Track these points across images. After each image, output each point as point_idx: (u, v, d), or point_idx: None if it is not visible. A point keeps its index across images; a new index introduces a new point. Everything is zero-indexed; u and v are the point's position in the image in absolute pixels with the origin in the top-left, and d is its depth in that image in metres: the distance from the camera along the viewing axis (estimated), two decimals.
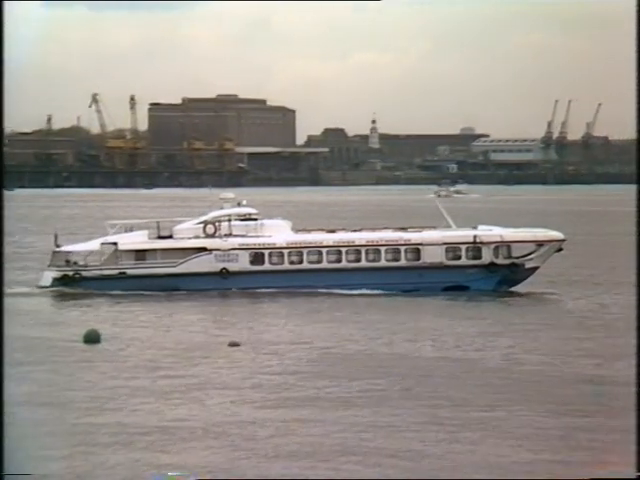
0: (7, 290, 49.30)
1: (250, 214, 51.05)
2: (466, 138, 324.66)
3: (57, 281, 48.99)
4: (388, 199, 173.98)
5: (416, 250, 49.06)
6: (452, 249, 49.09)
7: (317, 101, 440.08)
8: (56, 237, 50.50)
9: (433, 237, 49.42)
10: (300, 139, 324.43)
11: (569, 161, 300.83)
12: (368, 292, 47.61)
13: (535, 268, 49.30)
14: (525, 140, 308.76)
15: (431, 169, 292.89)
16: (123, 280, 48.71)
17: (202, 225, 49.80)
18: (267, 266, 48.88)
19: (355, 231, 51.52)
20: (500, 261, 48.92)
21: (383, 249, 49.23)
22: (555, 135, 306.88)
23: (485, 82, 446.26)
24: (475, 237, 49.19)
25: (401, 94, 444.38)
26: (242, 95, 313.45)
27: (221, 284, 48.52)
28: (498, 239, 49.42)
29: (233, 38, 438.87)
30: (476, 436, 22.82)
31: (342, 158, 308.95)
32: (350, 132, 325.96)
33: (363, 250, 49.23)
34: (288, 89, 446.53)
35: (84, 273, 49.12)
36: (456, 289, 48.18)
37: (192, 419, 24.25)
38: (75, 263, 49.36)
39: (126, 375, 29.44)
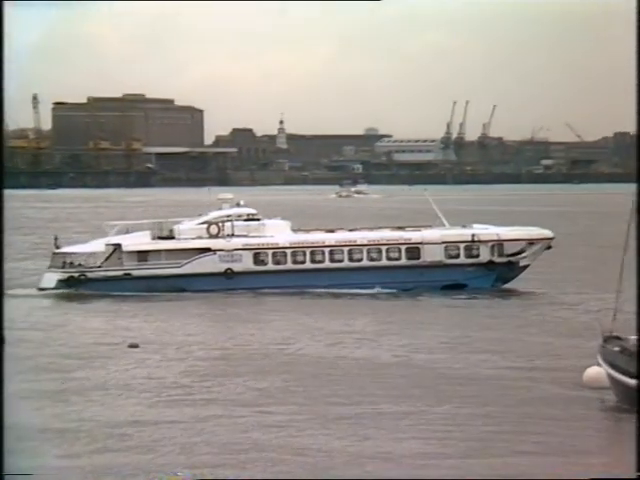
0: (8, 292, 47.87)
1: (251, 214, 50.48)
2: (370, 138, 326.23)
3: (62, 283, 47.88)
4: (294, 199, 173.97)
5: (416, 249, 49.04)
6: (451, 248, 49.18)
7: (225, 101, 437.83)
8: (56, 239, 49.54)
9: (433, 236, 49.47)
10: (208, 139, 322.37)
11: (467, 161, 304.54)
12: (370, 291, 47.16)
13: (526, 266, 49.58)
14: (426, 141, 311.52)
15: (337, 169, 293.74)
16: (128, 281, 47.76)
17: (204, 225, 49.11)
18: (270, 266, 48.51)
19: (352, 230, 51.26)
20: (497, 259, 49.14)
21: (384, 248, 49.07)
22: (454, 136, 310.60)
23: (388, 83, 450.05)
24: (473, 236, 49.37)
25: (308, 94, 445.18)
26: (149, 95, 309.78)
27: (226, 284, 47.89)
28: (495, 237, 49.68)
29: (140, 37, 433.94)
30: (368, 431, 23.02)
31: (250, 158, 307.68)
32: (258, 132, 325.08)
33: (365, 249, 48.99)
34: (196, 89, 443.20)
35: (89, 274, 48.02)
36: (455, 287, 48.18)
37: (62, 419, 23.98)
38: (80, 265, 48.23)
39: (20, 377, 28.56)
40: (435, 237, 49.29)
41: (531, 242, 49.54)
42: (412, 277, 48.40)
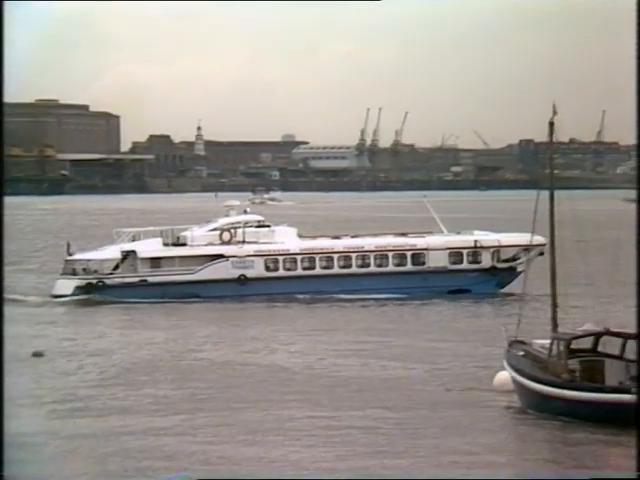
0: (21, 299, 47.09)
1: (261, 221, 50.45)
2: (287, 145, 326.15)
3: (80, 289, 47.28)
4: (210, 206, 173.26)
5: (421, 255, 49.24)
6: (455, 254, 49.52)
7: (142, 107, 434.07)
8: (68, 246, 49.04)
9: (437, 242, 49.68)
10: (125, 146, 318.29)
11: (381, 168, 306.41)
12: (376, 297, 46.96)
13: (521, 271, 49.17)
14: (341, 147, 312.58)
15: (255, 176, 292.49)
16: (144, 288, 47.32)
17: (215, 232, 48.92)
18: (281, 272, 48.45)
19: (354, 237, 50.96)
20: (499, 265, 49.57)
21: (391, 254, 49.28)
22: (368, 143, 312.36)
23: (304, 89, 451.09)
24: (476, 242, 49.69)
25: (225, 101, 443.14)
26: (63, 100, 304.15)
27: (239, 291, 47.68)
28: (496, 244, 50.10)
29: (52, 40, 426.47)
30: (275, 438, 22.78)
31: (168, 165, 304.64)
32: (176, 139, 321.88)
33: (372, 256, 49.12)
34: (112, 95, 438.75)
35: (107, 281, 47.50)
36: (458, 292, 48.25)
37: None
38: (96, 271, 47.78)
39: None
40: (439, 243, 49.75)
41: (526, 248, 49.72)
42: (417, 283, 48.71)
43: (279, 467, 20.75)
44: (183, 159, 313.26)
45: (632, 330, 24.36)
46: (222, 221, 50.17)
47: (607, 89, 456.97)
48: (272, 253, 48.68)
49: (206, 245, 48.69)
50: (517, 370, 25.58)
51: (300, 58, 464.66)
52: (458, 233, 51.29)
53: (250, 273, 48.21)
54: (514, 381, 25.76)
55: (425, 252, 49.34)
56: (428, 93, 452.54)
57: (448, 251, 49.40)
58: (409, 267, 49.22)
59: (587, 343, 25.04)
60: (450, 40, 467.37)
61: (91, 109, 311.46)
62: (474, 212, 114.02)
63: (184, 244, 48.80)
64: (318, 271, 48.52)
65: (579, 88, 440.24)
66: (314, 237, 51.59)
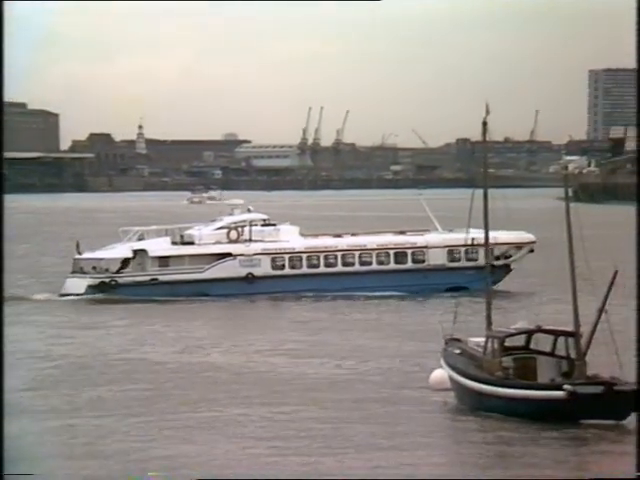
0: (34, 297, 47.19)
1: (267, 220, 50.48)
2: (230, 144, 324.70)
3: (93, 288, 47.09)
4: (149, 205, 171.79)
5: (421, 253, 49.58)
6: (452, 252, 49.83)
7: (82, 105, 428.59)
8: (78, 245, 48.62)
9: (436, 240, 50.03)
10: (64, 144, 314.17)
11: (322, 167, 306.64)
12: (378, 294, 46.99)
13: (512, 269, 50.31)
14: (283, 146, 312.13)
15: (197, 175, 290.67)
16: (155, 286, 47.21)
17: (222, 231, 48.88)
18: (287, 270, 48.53)
19: (354, 235, 50.90)
20: (496, 262, 49.42)
21: (392, 252, 49.49)
22: (310, 141, 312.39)
23: (247, 88, 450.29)
24: (473, 240, 48.75)
25: (167, 99, 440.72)
26: None
27: (247, 289, 47.72)
28: (492, 241, 49.91)
29: None
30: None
31: (109, 164, 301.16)
32: (117, 137, 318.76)
33: (374, 254, 49.26)
34: (51, 92, 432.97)
35: (119, 280, 47.24)
36: (456, 290, 47.93)
37: None
38: (107, 270, 47.55)
39: None
40: (438, 241, 50.14)
41: (519, 246, 50.64)
42: (417, 280, 48.97)
43: (218, 464, 20.59)
44: (124, 158, 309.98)
45: (564, 327, 24.63)
46: (227, 220, 50.34)
47: (540, 89, 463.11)
48: (278, 252, 49.02)
49: (214, 244, 48.95)
50: (453, 368, 25.66)
51: (242, 57, 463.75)
52: (451, 231, 51.68)
53: (257, 271, 48.51)
54: (450, 379, 25.82)
55: (425, 250, 49.93)
56: (369, 92, 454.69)
57: (447, 249, 49.99)
58: (409, 265, 49.70)
59: (520, 341, 25.21)
60: (389, 41, 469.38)
61: (29, 107, 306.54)
62: (415, 211, 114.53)
63: (192, 243, 48.99)
64: (322, 269, 48.93)
65: (513, 87, 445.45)
66: (316, 235, 51.93)
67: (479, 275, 48.23)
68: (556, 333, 24.74)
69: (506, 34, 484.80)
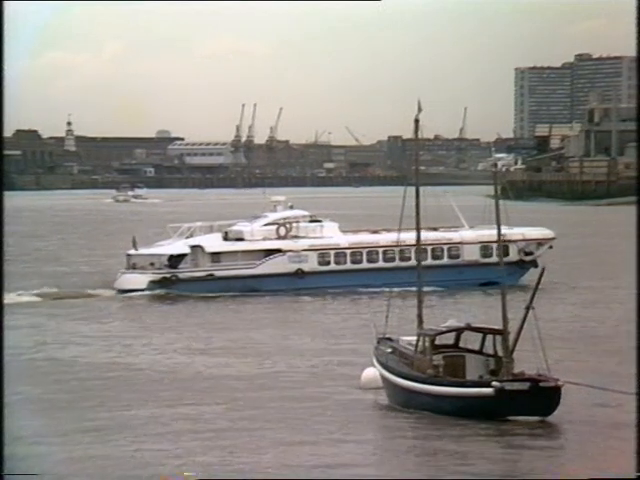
0: (90, 292, 47.83)
1: (312, 216, 51.28)
2: (162, 141, 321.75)
3: (154, 284, 47.45)
4: (76, 203, 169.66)
5: (456, 249, 50.43)
6: (485, 247, 50.58)
7: (7, 101, 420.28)
8: (134, 240, 48.87)
9: (470, 236, 50.87)
10: None
11: (256, 164, 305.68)
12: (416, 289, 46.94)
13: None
14: (217, 144, 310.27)
15: (129, 172, 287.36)
16: (211, 282, 47.72)
17: (272, 227, 49.47)
18: (332, 266, 49.23)
19: (390, 231, 50.58)
20: (525, 258, 50.96)
21: (429, 248, 50.01)
22: (243, 139, 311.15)
23: (180, 85, 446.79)
24: (504, 236, 50.10)
25: (98, 96, 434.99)
26: None
27: (297, 284, 48.31)
28: (520, 237, 51.31)
29: None
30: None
31: (36, 161, 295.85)
32: (44, 134, 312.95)
33: (413, 249, 48.77)
34: None
35: (180, 275, 47.76)
36: (488, 285, 48.22)
37: None
38: (167, 266, 48.04)
39: None
40: (472, 237, 51.06)
41: (540, 242, 51.84)
42: (453, 276, 49.53)
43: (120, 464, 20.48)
44: (52, 155, 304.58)
45: (492, 326, 24.98)
46: (273, 216, 50.85)
47: (469, 87, 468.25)
48: (324, 247, 49.90)
49: (263, 240, 49.65)
50: (384, 366, 25.82)
51: (176, 53, 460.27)
52: (471, 227, 52.40)
53: (305, 267, 49.30)
54: (382, 377, 25.98)
55: (460, 246, 50.89)
56: (302, 90, 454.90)
57: (480, 245, 50.93)
58: (445, 261, 50.56)
59: (450, 339, 25.48)
60: (323, 38, 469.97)
61: None
62: (349, 209, 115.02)
63: (242, 239, 49.59)
64: (365, 265, 49.67)
65: (444, 85, 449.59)
66: (354, 232, 52.50)
67: (510, 270, 49.89)
68: (484, 331, 25.06)
69: (436, 32, 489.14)
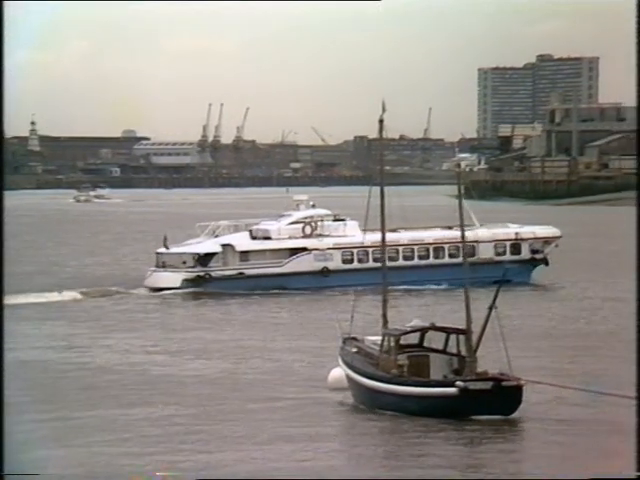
0: (120, 290, 48.18)
1: (336, 215, 51.66)
2: (128, 141, 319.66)
3: (188, 282, 47.79)
4: (35, 203, 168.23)
5: (472, 247, 50.60)
6: (499, 246, 51.64)
7: None
8: (165, 239, 49.13)
9: (485, 235, 51.57)
10: None
11: (223, 164, 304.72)
12: (434, 287, 48.07)
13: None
14: (183, 144, 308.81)
15: (94, 172, 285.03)
16: (242, 280, 48.07)
17: (298, 226, 49.83)
18: (355, 264, 49.47)
19: (407, 229, 50.88)
20: (536, 256, 51.76)
21: (447, 247, 50.71)
22: (210, 139, 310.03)
23: (146, 84, 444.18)
24: (517, 234, 51.83)
25: (62, 95, 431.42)
26: None
27: (323, 282, 48.59)
28: (532, 236, 52.33)
29: None
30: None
31: None
32: (7, 133, 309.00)
33: (431, 248, 50.55)
34: None
35: (213, 274, 48.13)
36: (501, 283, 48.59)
37: None
38: (204, 264, 48.38)
39: None
40: (487, 236, 51.80)
41: (547, 240, 52.65)
42: (468, 274, 49.59)
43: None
44: (16, 155, 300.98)
45: (456, 325, 25.05)
46: (298, 214, 51.12)
47: (434, 87, 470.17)
48: (348, 246, 50.22)
49: (289, 238, 49.91)
50: (350, 367, 25.78)
51: (142, 52, 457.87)
52: (482, 226, 52.90)
53: (330, 265, 49.65)
54: (347, 378, 25.94)
55: (475, 244, 51.27)
56: (269, 89, 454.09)
57: (494, 243, 51.85)
58: (461, 259, 50.50)
59: (415, 339, 25.50)
60: (291, 38, 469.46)
61: None
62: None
63: (269, 237, 49.80)
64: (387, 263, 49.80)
65: (408, 86, 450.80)
66: (374, 230, 52.62)
67: (522, 268, 51.53)
68: (448, 331, 25.11)
69: (400, 33, 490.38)
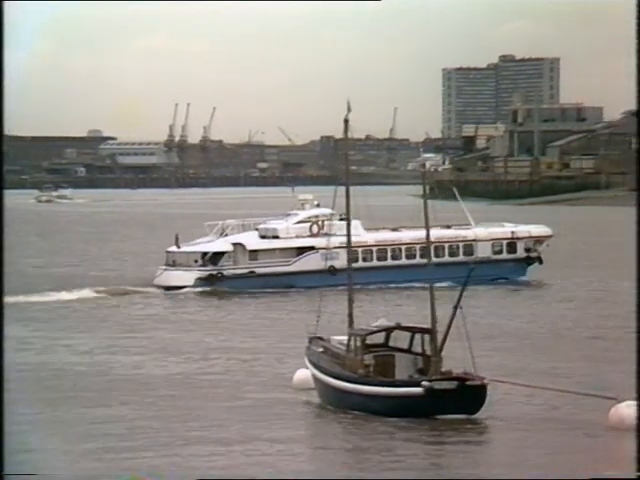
0: (134, 289, 48.28)
1: (342, 214, 50.72)
2: (94, 141, 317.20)
3: (202, 280, 48.42)
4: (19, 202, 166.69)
5: (470, 246, 51.56)
6: (496, 244, 52.31)
7: None
8: (177, 238, 49.23)
9: (483, 234, 52.25)
10: None
11: (190, 164, 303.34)
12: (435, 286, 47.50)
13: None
14: (150, 143, 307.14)
15: (59, 172, 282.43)
16: (252, 278, 48.32)
17: (305, 225, 49.95)
18: (360, 263, 49.54)
19: (408, 228, 51.17)
20: (532, 254, 52.44)
21: (447, 245, 51.26)
22: (177, 138, 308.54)
23: (112, 84, 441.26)
24: (513, 233, 52.63)
25: (27, 94, 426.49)
26: None
27: (330, 281, 47.85)
28: (527, 235, 53.08)
29: None
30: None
31: None
32: None
33: (432, 247, 49.48)
34: None
35: (225, 272, 48.44)
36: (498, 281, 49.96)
37: None
38: (214, 263, 48.67)
39: None
40: (485, 235, 52.47)
41: (539, 239, 53.47)
42: (466, 272, 50.22)
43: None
44: None
45: (421, 325, 25.05)
46: (303, 214, 51.22)
47: (399, 87, 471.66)
48: (353, 245, 49.89)
49: (297, 237, 50.17)
50: (316, 367, 25.68)
51: (107, 51, 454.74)
52: (478, 225, 53.40)
53: (337, 264, 49.71)
54: (314, 378, 25.83)
55: (474, 243, 52.12)
56: (236, 90, 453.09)
57: (492, 242, 52.50)
58: (461, 257, 51.62)
59: (380, 338, 25.45)
60: (258, 39, 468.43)
61: None
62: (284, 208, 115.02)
63: (277, 237, 49.99)
64: (389, 262, 50.52)
65: (375, 86, 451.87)
66: (376, 229, 52.76)
67: (518, 266, 52.52)
68: (413, 330, 25.08)
69: (367, 34, 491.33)
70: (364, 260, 50.79)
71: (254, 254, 49.65)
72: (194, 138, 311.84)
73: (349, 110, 27.57)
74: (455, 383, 23.10)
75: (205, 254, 49.30)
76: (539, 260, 53.04)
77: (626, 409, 21.93)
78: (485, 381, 23.15)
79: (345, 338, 25.85)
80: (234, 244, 49.70)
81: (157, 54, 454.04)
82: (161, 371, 30.08)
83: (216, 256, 49.28)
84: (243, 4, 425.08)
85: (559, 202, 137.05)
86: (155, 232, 55.23)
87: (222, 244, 49.86)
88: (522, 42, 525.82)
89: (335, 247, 50.20)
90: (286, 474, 19.69)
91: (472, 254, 52.38)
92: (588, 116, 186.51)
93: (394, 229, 53.84)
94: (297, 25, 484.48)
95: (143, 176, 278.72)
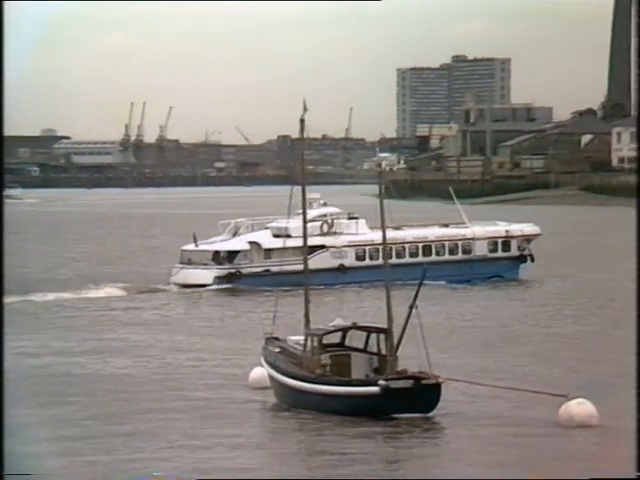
0: (152, 287, 48.31)
1: (350, 213, 52.34)
2: (48, 140, 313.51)
3: (220, 279, 48.76)
4: None
5: (469, 244, 52.09)
6: (492, 243, 52.83)
7: None
8: (195, 237, 49.27)
9: (479, 232, 52.81)
10: None
11: (146, 164, 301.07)
12: (434, 284, 47.42)
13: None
14: (105, 143, 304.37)
15: (12, 172, 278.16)
16: (268, 277, 48.44)
17: (315, 224, 49.99)
18: (367, 262, 50.12)
19: (409, 227, 51.89)
20: (525, 253, 53.11)
21: (447, 244, 51.79)
22: (132, 138, 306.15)
23: (65, 82, 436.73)
24: (507, 232, 53.28)
25: None
26: None
27: (340, 279, 49.16)
28: (520, 233, 53.77)
29: None
30: None
31: None
32: None
33: (433, 245, 51.45)
34: None
35: (243, 271, 49.14)
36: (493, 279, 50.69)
37: None
38: (232, 261, 49.22)
39: None
40: (481, 233, 53.13)
41: (529, 238, 54.27)
42: (465, 270, 51.29)
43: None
44: None
45: (377, 324, 25.12)
46: (313, 212, 50.92)
47: (355, 87, 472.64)
48: (361, 243, 50.98)
49: (308, 236, 49.63)
50: (272, 366, 25.64)
51: (61, 50, 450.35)
52: (473, 224, 53.88)
53: (346, 262, 50.47)
54: (270, 377, 25.80)
55: (472, 242, 52.65)
56: (193, 89, 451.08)
57: (488, 240, 53.12)
58: (460, 256, 52.21)
59: (337, 338, 25.49)
60: (215, 38, 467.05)
61: None
62: (242, 207, 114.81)
63: (289, 235, 49.73)
64: (394, 260, 50.46)
65: (330, 85, 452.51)
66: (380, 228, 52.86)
67: (512, 265, 53.32)
68: (369, 330, 25.15)
69: (322, 33, 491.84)
70: (370, 258, 51.27)
71: (268, 253, 50.15)
72: (150, 137, 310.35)
73: (305, 110, 27.49)
74: (411, 382, 23.17)
75: (218, 252, 49.72)
76: (531, 258, 53.81)
77: (576, 407, 22.15)
78: (440, 379, 23.26)
79: (301, 338, 25.84)
80: (250, 243, 50.25)
81: (113, 53, 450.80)
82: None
83: (231, 255, 49.74)
84: (202, 4, 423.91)
85: (510, 201, 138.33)
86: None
87: (238, 243, 50.39)
88: (474, 43, 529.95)
89: (344, 245, 51.29)
90: (235, 475, 19.58)
91: (470, 252, 53.11)
92: (538, 116, 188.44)
93: (396, 228, 53.83)
94: (253, 26, 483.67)
95: (99, 176, 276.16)
